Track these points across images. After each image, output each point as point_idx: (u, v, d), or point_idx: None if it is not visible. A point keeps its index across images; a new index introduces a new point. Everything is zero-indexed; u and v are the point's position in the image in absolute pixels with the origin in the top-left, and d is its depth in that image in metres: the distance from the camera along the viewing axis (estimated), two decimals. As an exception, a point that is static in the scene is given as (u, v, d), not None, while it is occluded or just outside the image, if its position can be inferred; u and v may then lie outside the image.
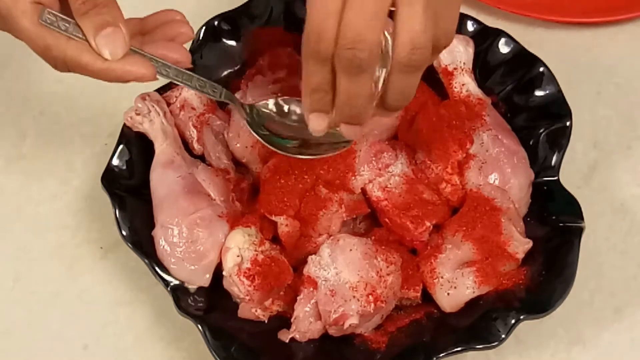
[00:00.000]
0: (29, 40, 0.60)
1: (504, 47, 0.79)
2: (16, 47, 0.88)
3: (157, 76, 0.62)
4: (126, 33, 0.60)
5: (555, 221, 0.71)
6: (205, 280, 0.70)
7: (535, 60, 0.77)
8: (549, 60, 0.77)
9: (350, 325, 0.66)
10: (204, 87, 0.66)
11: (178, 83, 0.64)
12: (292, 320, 0.68)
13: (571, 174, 0.78)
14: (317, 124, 0.61)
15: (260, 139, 0.69)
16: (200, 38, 0.79)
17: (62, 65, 0.61)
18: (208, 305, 0.69)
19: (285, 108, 0.71)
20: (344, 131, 0.61)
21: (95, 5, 0.59)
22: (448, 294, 0.69)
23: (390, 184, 0.73)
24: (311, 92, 0.58)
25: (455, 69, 0.77)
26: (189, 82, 0.65)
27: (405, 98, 0.58)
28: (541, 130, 0.75)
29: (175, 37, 0.65)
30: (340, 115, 0.59)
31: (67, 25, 0.60)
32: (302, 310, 0.68)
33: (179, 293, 0.68)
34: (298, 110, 0.70)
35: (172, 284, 0.69)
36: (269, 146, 0.69)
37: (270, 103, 0.71)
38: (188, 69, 0.65)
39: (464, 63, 0.77)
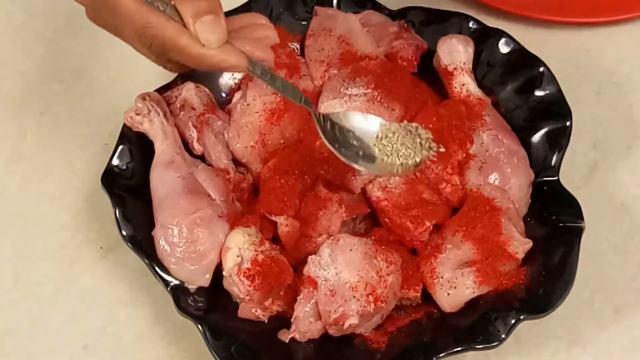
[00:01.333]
0: (129, 17, 0.59)
1: (504, 47, 0.79)
2: (17, 47, 0.88)
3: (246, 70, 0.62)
4: (224, 23, 0.59)
5: (555, 221, 0.71)
6: (205, 280, 0.70)
7: (535, 60, 0.77)
8: (549, 60, 0.77)
9: (350, 325, 0.66)
10: (286, 89, 0.66)
11: (262, 81, 0.64)
12: (292, 320, 0.68)
13: (571, 174, 0.78)
14: None
15: (334, 150, 0.67)
16: (200, 38, 0.79)
17: (159, 45, 0.60)
18: (208, 305, 0.69)
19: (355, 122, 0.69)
20: None
21: None
22: (448, 294, 0.69)
23: (390, 184, 0.73)
24: None
25: (455, 69, 0.77)
26: (272, 82, 0.65)
27: None
28: (541, 130, 0.75)
29: (262, 39, 0.65)
30: None
31: (164, 7, 0.59)
32: (302, 310, 0.68)
33: (179, 293, 0.68)
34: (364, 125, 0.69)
35: (172, 284, 0.69)
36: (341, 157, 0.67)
37: (343, 115, 0.69)
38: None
39: (464, 63, 0.77)
